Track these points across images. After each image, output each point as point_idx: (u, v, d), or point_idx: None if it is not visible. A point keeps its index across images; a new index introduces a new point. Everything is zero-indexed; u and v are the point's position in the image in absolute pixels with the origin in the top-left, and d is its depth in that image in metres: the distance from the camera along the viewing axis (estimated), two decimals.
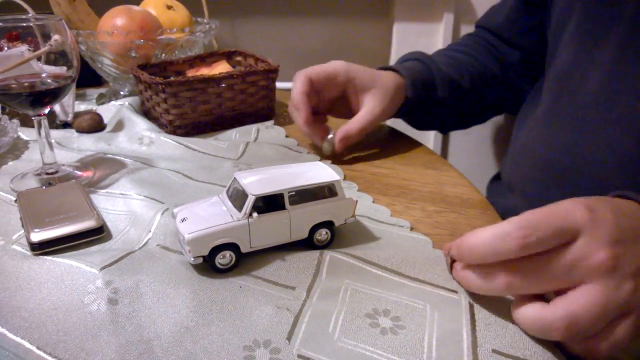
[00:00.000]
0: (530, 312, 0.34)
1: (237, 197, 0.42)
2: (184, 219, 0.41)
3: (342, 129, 0.63)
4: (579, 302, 0.32)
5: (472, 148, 1.42)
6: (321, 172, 0.45)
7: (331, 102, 0.68)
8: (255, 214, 0.41)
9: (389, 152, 0.69)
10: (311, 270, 0.41)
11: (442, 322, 0.36)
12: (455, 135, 1.44)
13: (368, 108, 0.64)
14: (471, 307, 0.38)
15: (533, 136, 0.63)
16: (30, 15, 0.58)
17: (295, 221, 0.42)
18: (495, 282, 0.35)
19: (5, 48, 0.54)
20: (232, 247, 0.41)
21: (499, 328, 0.36)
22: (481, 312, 0.37)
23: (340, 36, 1.34)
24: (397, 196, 0.56)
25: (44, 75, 0.57)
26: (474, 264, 0.36)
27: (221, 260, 0.41)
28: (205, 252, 0.40)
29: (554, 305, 0.33)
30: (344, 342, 0.35)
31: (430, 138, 1.46)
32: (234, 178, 0.44)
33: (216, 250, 0.40)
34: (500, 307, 0.38)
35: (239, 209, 0.41)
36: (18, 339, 0.34)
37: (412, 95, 0.67)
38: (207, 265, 0.41)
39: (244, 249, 0.41)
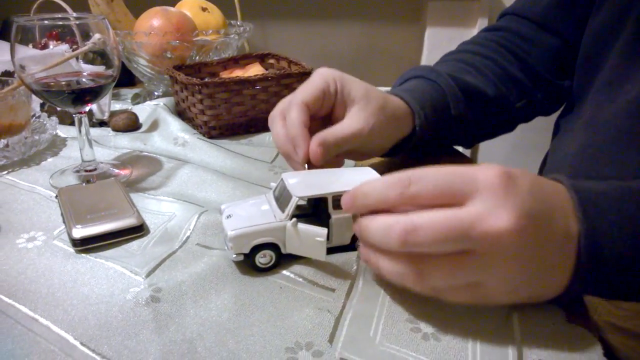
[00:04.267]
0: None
1: (283, 198, 0.42)
2: (229, 215, 0.42)
3: (320, 135, 0.49)
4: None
5: (504, 156, 1.40)
6: (369, 179, 0.44)
7: (322, 124, 0.54)
8: (294, 220, 0.40)
9: (427, 161, 0.67)
10: (351, 273, 0.41)
11: (484, 330, 0.35)
12: (485, 143, 1.43)
13: (349, 120, 0.52)
14: (514, 315, 0.37)
15: (575, 147, 0.61)
16: (72, 14, 0.58)
17: (337, 226, 0.42)
18: (391, 235, 0.33)
19: (51, 46, 0.55)
20: (273, 247, 0.41)
21: (544, 338, 0.35)
22: (525, 321, 0.36)
23: (371, 40, 1.34)
24: None
25: (85, 73, 0.58)
26: (364, 211, 0.36)
27: (261, 260, 0.41)
28: (247, 250, 0.40)
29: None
30: (386, 346, 0.34)
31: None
32: (282, 179, 0.43)
33: (257, 249, 0.40)
34: (544, 316, 0.37)
35: (283, 210, 0.41)
36: (62, 333, 0.34)
37: (423, 121, 0.56)
38: (248, 264, 0.41)
39: (285, 249, 0.41)
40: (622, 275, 0.34)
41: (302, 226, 0.40)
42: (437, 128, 0.59)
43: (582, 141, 0.59)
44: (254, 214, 0.41)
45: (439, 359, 0.33)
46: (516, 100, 0.67)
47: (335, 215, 0.41)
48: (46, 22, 0.54)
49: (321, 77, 0.53)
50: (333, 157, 0.51)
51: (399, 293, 0.39)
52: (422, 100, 0.57)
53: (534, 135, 1.36)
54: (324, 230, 0.39)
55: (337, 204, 0.41)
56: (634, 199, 0.35)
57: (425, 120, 0.56)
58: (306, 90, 0.52)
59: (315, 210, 0.41)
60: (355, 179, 0.42)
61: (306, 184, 0.42)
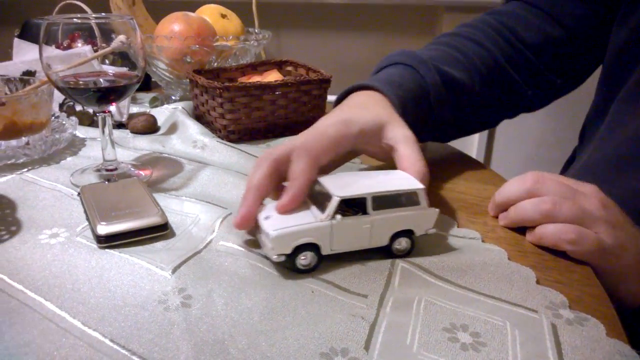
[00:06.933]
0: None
1: (320, 199, 0.42)
2: (268, 216, 0.41)
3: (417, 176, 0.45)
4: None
5: (521, 160, 1.39)
6: (404, 180, 0.44)
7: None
8: (338, 216, 0.40)
9: (444, 167, 0.67)
10: (382, 280, 0.40)
11: (525, 343, 0.34)
12: (499, 147, 1.42)
13: (407, 147, 0.49)
14: (554, 328, 0.36)
15: (599, 156, 0.60)
16: (101, 14, 0.58)
17: (377, 227, 0.42)
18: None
19: (79, 45, 0.54)
20: (313, 248, 0.40)
21: (587, 352, 0.34)
22: (566, 334, 0.35)
23: (385, 51, 1.34)
24: (458, 210, 0.54)
25: (110, 73, 0.58)
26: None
27: (302, 261, 0.40)
28: (288, 251, 0.40)
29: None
30: (423, 355, 0.33)
31: (473, 148, 1.43)
32: (317, 181, 0.43)
33: (297, 250, 0.40)
34: (587, 330, 0.36)
35: (322, 210, 0.41)
36: (90, 331, 0.34)
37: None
38: (288, 265, 0.41)
39: (325, 250, 0.41)
40: None
41: (348, 219, 0.40)
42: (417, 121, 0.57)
43: (607, 151, 0.59)
44: (293, 215, 0.41)
45: None
46: (502, 96, 0.67)
47: (374, 216, 0.41)
48: (75, 20, 0.54)
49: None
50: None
51: (433, 301, 0.38)
52: (406, 100, 0.56)
53: (553, 142, 1.36)
54: (368, 218, 0.41)
55: (376, 205, 0.41)
56: None
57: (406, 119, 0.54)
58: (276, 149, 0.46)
59: (352, 211, 0.41)
60: (391, 180, 0.43)
61: (344, 185, 0.41)
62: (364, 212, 0.41)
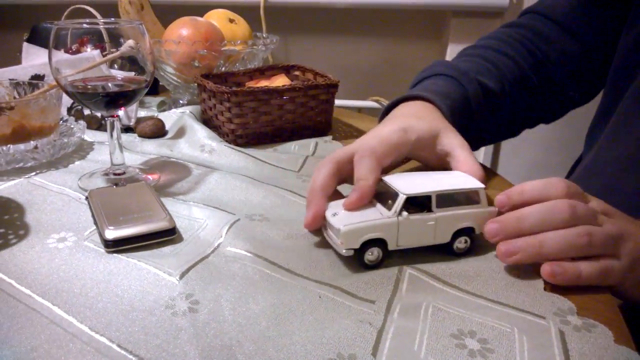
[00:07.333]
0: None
1: (386, 197, 0.43)
2: (335, 213, 0.43)
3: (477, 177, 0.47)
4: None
5: (527, 164, 1.39)
6: (464, 180, 0.46)
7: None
8: (405, 213, 0.41)
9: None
10: (390, 286, 0.40)
11: (533, 350, 0.34)
12: (506, 152, 1.42)
13: (465, 152, 0.51)
14: (562, 334, 0.36)
15: (607, 158, 0.60)
16: (110, 19, 0.59)
17: (441, 224, 0.43)
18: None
19: (88, 49, 0.55)
20: (380, 244, 0.42)
21: (595, 359, 0.34)
22: (574, 341, 0.35)
23: (392, 56, 1.35)
24: None
25: (119, 78, 0.59)
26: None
27: (369, 257, 0.42)
28: (357, 245, 0.41)
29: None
30: None
31: (480, 153, 1.43)
32: (382, 180, 0.45)
33: (365, 245, 0.41)
34: (595, 336, 0.35)
35: (387, 208, 0.42)
36: (97, 336, 0.34)
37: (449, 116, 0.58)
38: (356, 259, 0.42)
39: (391, 246, 0.42)
40: None
41: (414, 216, 0.42)
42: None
43: (614, 151, 0.59)
44: (360, 212, 0.43)
45: None
46: (527, 108, 0.68)
47: (438, 213, 0.42)
48: (84, 25, 0.54)
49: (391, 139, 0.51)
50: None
51: (441, 307, 0.38)
52: (454, 110, 0.58)
53: (559, 146, 1.35)
54: (433, 215, 0.42)
55: (439, 203, 0.43)
56: None
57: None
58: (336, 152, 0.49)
59: (416, 209, 0.43)
60: (452, 180, 0.45)
61: (409, 184, 0.43)
62: (427, 210, 0.42)
